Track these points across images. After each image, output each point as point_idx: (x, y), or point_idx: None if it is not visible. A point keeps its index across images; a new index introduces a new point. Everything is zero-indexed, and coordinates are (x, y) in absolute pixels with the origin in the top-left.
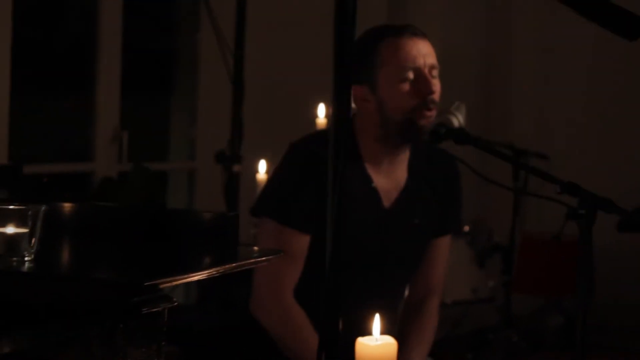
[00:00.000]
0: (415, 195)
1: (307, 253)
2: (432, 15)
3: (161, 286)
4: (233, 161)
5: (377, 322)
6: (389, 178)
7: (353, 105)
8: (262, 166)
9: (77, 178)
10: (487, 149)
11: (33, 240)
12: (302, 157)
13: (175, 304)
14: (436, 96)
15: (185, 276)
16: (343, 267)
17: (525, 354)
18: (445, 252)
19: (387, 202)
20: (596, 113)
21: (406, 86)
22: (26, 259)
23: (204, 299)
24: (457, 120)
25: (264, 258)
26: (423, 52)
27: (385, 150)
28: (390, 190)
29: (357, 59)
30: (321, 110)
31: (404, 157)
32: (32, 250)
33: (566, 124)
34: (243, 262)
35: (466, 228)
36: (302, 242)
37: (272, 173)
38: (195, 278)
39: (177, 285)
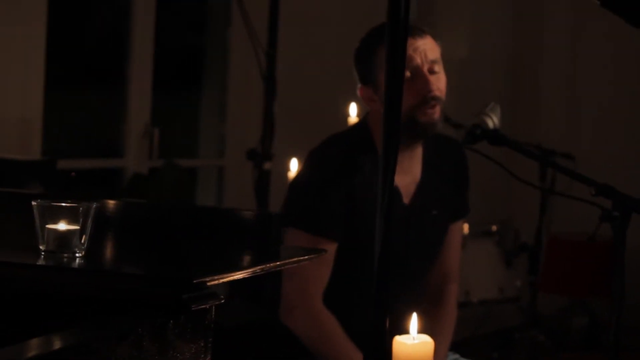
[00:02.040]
0: (430, 187)
1: (336, 258)
2: (460, 16)
3: (208, 284)
4: (264, 159)
5: (414, 320)
6: (406, 174)
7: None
8: (294, 164)
9: (108, 174)
10: (521, 150)
11: (84, 237)
12: (323, 163)
13: (222, 301)
14: (438, 92)
15: (232, 274)
16: (368, 266)
17: (550, 353)
18: (459, 237)
19: (406, 198)
20: (623, 114)
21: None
22: (77, 255)
23: (233, 295)
24: (492, 121)
25: (306, 257)
26: (421, 50)
27: (400, 147)
28: (408, 186)
29: (361, 59)
30: (353, 109)
31: (418, 152)
32: (83, 247)
33: (593, 124)
34: (286, 261)
35: (494, 228)
36: (330, 249)
37: (293, 182)
38: (242, 276)
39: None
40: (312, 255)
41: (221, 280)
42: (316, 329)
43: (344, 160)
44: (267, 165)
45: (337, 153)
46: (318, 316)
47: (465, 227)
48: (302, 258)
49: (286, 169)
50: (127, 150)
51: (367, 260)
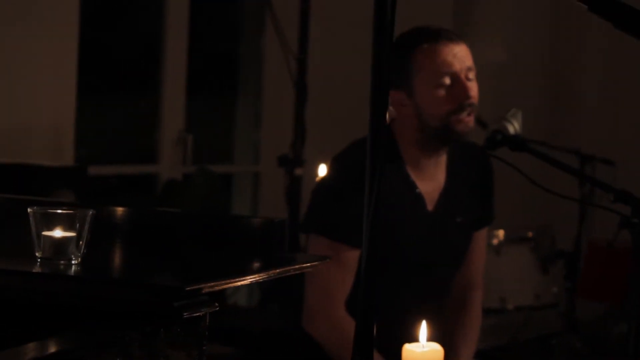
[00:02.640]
0: (454, 193)
1: (359, 265)
2: (498, 20)
3: (203, 291)
4: (295, 164)
5: (423, 328)
6: (431, 180)
7: (391, 109)
8: (323, 170)
9: (143, 180)
10: (542, 157)
11: (81, 244)
12: (346, 169)
13: (217, 308)
14: (474, 100)
15: (227, 281)
16: (390, 274)
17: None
18: (483, 244)
19: (430, 205)
20: None
21: (442, 92)
22: (73, 262)
23: (265, 301)
24: (513, 127)
25: (308, 264)
26: (459, 57)
27: (425, 153)
28: (432, 192)
29: (394, 63)
30: None
31: (443, 159)
32: (79, 254)
33: (633, 129)
34: (286, 268)
35: (530, 234)
36: (352, 256)
37: (315, 187)
38: (238, 284)
39: (238, 288)
40: (314, 263)
41: (216, 288)
42: (338, 336)
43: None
44: (298, 171)
45: (359, 159)
46: (340, 323)
47: (501, 233)
48: (303, 265)
49: (315, 175)
50: (161, 156)
51: (390, 267)
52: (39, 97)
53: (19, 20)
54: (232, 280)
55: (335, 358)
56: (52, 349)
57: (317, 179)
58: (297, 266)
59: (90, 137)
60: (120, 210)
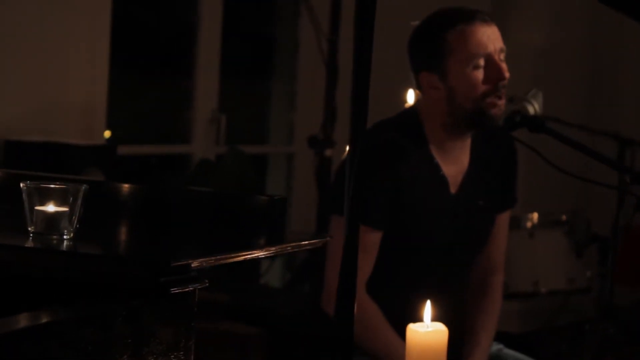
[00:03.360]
0: (478, 176)
1: (380, 247)
2: (537, 3)
3: (193, 266)
4: (325, 145)
5: (428, 308)
6: (455, 164)
7: (417, 92)
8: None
9: (176, 160)
10: (560, 138)
11: (74, 219)
12: (367, 149)
13: (206, 284)
14: (506, 82)
15: (217, 258)
16: (413, 255)
17: (620, 346)
18: (505, 228)
19: (453, 188)
20: None
21: (478, 73)
22: (65, 237)
23: (296, 282)
24: (533, 107)
25: (306, 242)
26: (492, 38)
27: (452, 137)
28: (456, 175)
29: (425, 45)
30: (410, 95)
31: (467, 142)
32: (72, 229)
33: None
34: (282, 246)
35: (564, 217)
36: (374, 238)
37: (338, 168)
38: (229, 260)
39: (269, 268)
40: (313, 241)
41: (203, 264)
42: (358, 317)
43: (390, 148)
44: (328, 152)
45: (383, 140)
46: (360, 304)
47: (535, 217)
48: (302, 244)
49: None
50: (194, 136)
51: (412, 250)
52: (71, 76)
53: None
54: (223, 257)
55: (355, 338)
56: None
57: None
58: (294, 244)
59: (122, 116)
60: (126, 187)
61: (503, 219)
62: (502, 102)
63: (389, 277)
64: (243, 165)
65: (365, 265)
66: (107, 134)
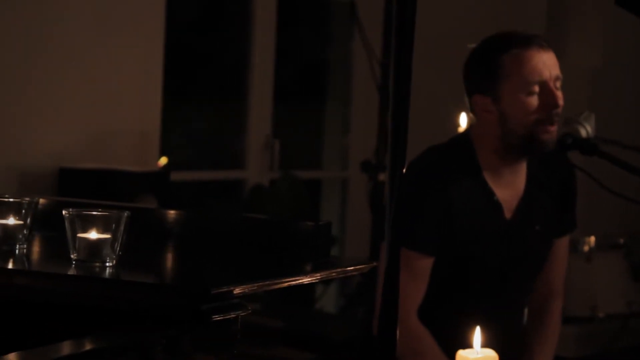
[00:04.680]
0: (534, 201)
1: (431, 273)
2: (593, 23)
3: (235, 293)
4: (378, 170)
5: (477, 335)
6: (509, 188)
7: (471, 115)
8: None
9: (230, 185)
10: (613, 161)
11: (116, 246)
12: (421, 175)
13: (249, 311)
14: (561, 109)
15: (258, 284)
16: (467, 282)
17: None
18: (565, 252)
19: (508, 213)
20: None
21: (532, 100)
22: (107, 264)
23: (350, 307)
24: (585, 130)
25: (351, 268)
26: (549, 64)
27: (505, 161)
28: (510, 200)
29: (479, 68)
30: (463, 119)
31: (523, 166)
32: (115, 256)
33: None
34: (325, 272)
35: (621, 240)
36: (424, 264)
37: None
38: (272, 287)
39: (324, 293)
40: (358, 267)
41: (245, 291)
42: (410, 343)
43: (442, 174)
44: (381, 177)
45: (435, 166)
46: (412, 330)
47: (592, 240)
48: (347, 269)
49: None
50: (248, 162)
51: (465, 276)
52: (124, 102)
53: (105, 24)
54: (265, 283)
55: None
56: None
57: None
58: (339, 269)
59: (176, 142)
60: (173, 213)
61: (562, 244)
62: (554, 129)
63: (441, 302)
64: (297, 190)
65: (416, 292)
66: (163, 160)
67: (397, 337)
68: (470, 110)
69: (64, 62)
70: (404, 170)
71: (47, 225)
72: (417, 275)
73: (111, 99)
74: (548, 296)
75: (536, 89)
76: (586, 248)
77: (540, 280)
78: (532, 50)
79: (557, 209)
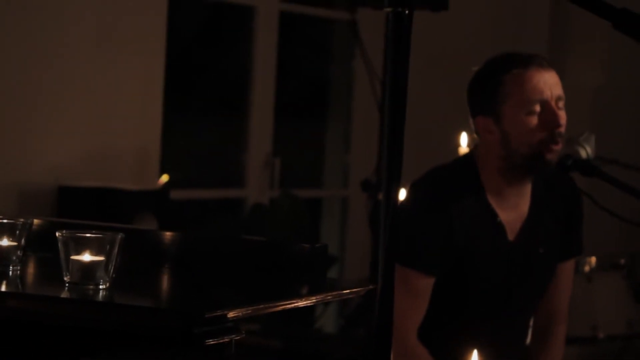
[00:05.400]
0: (538, 223)
1: (432, 293)
2: (596, 41)
3: (229, 316)
4: (378, 189)
5: (474, 358)
6: (513, 210)
7: (474, 136)
8: (403, 195)
9: (230, 204)
10: (613, 182)
11: (110, 268)
12: (424, 196)
13: (243, 335)
14: (563, 129)
15: (254, 307)
16: (468, 304)
17: None
18: (570, 276)
19: (511, 235)
20: None
21: (533, 119)
22: (101, 287)
23: (350, 327)
24: (585, 151)
25: (347, 291)
26: (550, 84)
27: (508, 182)
28: (514, 222)
29: (481, 89)
30: (463, 139)
31: (527, 188)
32: (108, 279)
33: None
34: (322, 295)
35: (622, 261)
36: (425, 283)
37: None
38: (266, 311)
39: (323, 313)
40: (355, 290)
41: (239, 314)
42: None
43: (445, 195)
44: (381, 196)
45: (439, 187)
46: (411, 350)
47: (593, 260)
48: (343, 292)
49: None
50: (248, 180)
51: (467, 297)
52: (124, 120)
53: (106, 41)
54: (260, 307)
55: None
56: None
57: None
58: (335, 292)
59: (176, 160)
60: (169, 235)
61: (567, 268)
62: (558, 148)
63: (442, 323)
64: (297, 209)
65: (416, 311)
66: (164, 177)
67: (393, 357)
68: (475, 132)
69: (63, 79)
70: (408, 190)
71: (43, 246)
72: (418, 295)
73: (111, 117)
74: (552, 320)
75: (537, 108)
76: (587, 268)
77: (545, 304)
78: (533, 69)
79: (562, 233)
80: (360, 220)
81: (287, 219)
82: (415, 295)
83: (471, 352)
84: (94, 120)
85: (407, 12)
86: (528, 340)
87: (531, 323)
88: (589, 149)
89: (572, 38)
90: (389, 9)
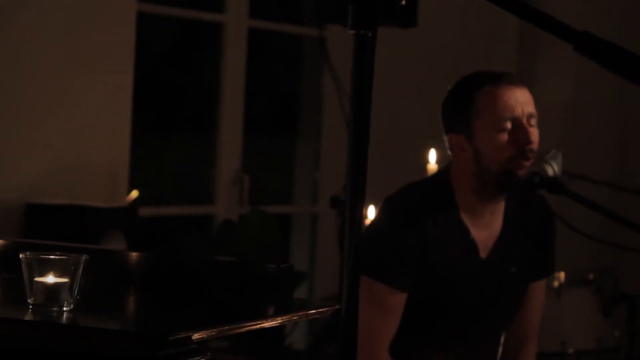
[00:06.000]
0: (511, 242)
1: (405, 309)
2: (564, 57)
3: (194, 338)
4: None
5: None
6: (486, 228)
7: (449, 153)
8: (371, 212)
9: (199, 220)
10: (580, 200)
11: (74, 289)
12: (398, 212)
13: (208, 357)
14: (534, 145)
15: (219, 329)
16: (441, 320)
17: None
18: (541, 296)
19: (484, 253)
20: None
21: (504, 136)
22: (65, 309)
23: (320, 343)
24: (552, 169)
25: (313, 311)
26: (521, 101)
27: (481, 200)
28: (486, 240)
29: (453, 106)
30: (432, 155)
31: (500, 206)
32: (72, 300)
33: None
34: (289, 316)
35: (591, 276)
36: (398, 299)
37: (367, 228)
38: (232, 332)
39: (293, 329)
40: (320, 310)
41: (204, 336)
42: None
43: (419, 211)
44: None
45: (412, 203)
46: None
47: (562, 276)
48: (309, 312)
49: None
50: (217, 197)
51: (439, 313)
52: (92, 136)
53: (74, 57)
54: (226, 328)
55: None
56: None
57: (367, 221)
58: (301, 313)
59: (145, 177)
60: (135, 255)
61: (538, 287)
62: (528, 164)
63: (414, 340)
64: (267, 225)
65: (388, 327)
66: (134, 193)
67: None
68: (448, 149)
69: (31, 95)
70: (382, 205)
71: (8, 266)
72: (390, 311)
73: (80, 133)
74: (522, 340)
75: (508, 125)
76: (556, 283)
77: (515, 323)
78: (504, 87)
79: (534, 252)
80: (330, 237)
81: (257, 235)
82: (386, 311)
83: None
84: (62, 137)
85: (370, 34)
86: (498, 358)
87: (502, 341)
88: (555, 167)
89: (541, 54)
90: (352, 32)
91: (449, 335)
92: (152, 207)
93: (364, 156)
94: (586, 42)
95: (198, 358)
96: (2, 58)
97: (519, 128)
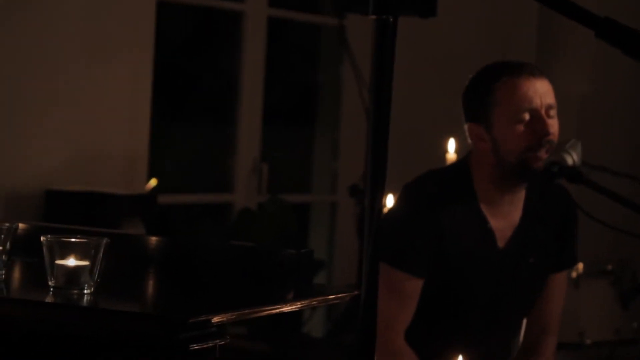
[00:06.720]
0: (529, 233)
1: (421, 296)
2: (583, 49)
3: (213, 321)
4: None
5: None
6: (504, 218)
7: (469, 142)
8: (390, 201)
9: (217, 209)
10: (599, 189)
11: (95, 273)
12: (415, 199)
13: (228, 340)
14: (553, 137)
15: (238, 313)
16: (455, 307)
17: None
18: (562, 288)
19: (501, 242)
20: None
21: (521, 127)
22: (85, 292)
23: (338, 331)
24: (572, 158)
25: (332, 296)
26: (540, 92)
27: (500, 190)
28: (504, 229)
29: (473, 96)
30: (451, 145)
31: (520, 196)
32: (92, 284)
33: None
34: (308, 300)
35: (609, 267)
36: (414, 286)
37: (385, 214)
38: (251, 316)
39: (311, 317)
40: (340, 295)
41: (223, 320)
42: None
43: (437, 199)
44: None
45: (431, 190)
46: (398, 352)
47: (580, 266)
48: (328, 297)
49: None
50: (236, 185)
51: (454, 302)
52: (112, 125)
53: (94, 47)
54: (245, 312)
55: None
56: None
57: (386, 209)
58: (320, 298)
59: (164, 165)
60: (155, 240)
61: (560, 279)
62: (545, 156)
63: (429, 327)
64: (285, 214)
65: (403, 313)
66: (153, 181)
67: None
68: (469, 139)
69: (51, 84)
70: (401, 191)
71: (29, 250)
72: (406, 298)
73: (99, 121)
74: (542, 331)
75: (526, 116)
76: (574, 274)
77: (536, 315)
78: (523, 78)
79: (554, 244)
80: (349, 226)
81: (275, 224)
82: (402, 297)
83: (456, 356)
84: (82, 125)
85: (391, 19)
86: (516, 350)
87: (521, 332)
88: (575, 156)
89: (559, 46)
90: (373, 17)
91: (463, 323)
92: (171, 194)
93: (383, 145)
94: (607, 29)
95: (218, 341)
96: (23, 48)
97: (537, 119)
